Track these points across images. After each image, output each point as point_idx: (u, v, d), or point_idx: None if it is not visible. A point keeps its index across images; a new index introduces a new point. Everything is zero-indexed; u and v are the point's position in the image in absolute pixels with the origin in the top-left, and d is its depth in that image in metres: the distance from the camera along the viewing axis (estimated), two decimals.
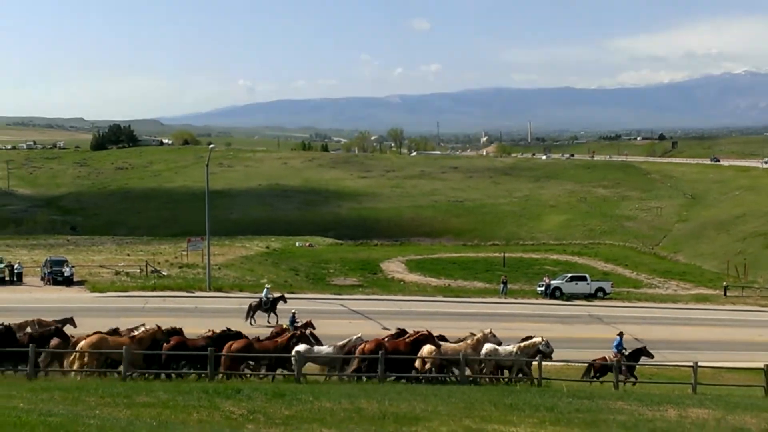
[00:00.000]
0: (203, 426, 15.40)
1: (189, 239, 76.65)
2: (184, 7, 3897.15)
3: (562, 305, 63.22)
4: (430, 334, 30.05)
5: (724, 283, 77.46)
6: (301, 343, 29.54)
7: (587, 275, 72.52)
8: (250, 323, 46.24)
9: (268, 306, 49.76)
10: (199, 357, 27.95)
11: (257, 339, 30.64)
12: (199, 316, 46.44)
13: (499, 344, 30.49)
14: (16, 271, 62.30)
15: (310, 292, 61.08)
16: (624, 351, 34.57)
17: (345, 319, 47.11)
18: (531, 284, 74.31)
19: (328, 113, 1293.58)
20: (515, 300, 64.92)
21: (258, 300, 50.18)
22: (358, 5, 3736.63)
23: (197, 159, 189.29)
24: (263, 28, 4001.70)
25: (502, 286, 68.16)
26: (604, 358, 33.87)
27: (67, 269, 61.58)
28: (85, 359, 26.91)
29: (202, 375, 27.45)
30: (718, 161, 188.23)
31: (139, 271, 67.91)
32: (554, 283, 68.60)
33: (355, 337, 30.74)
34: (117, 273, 67.16)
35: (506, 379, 30.38)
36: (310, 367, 28.97)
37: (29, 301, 51.58)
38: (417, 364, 29.16)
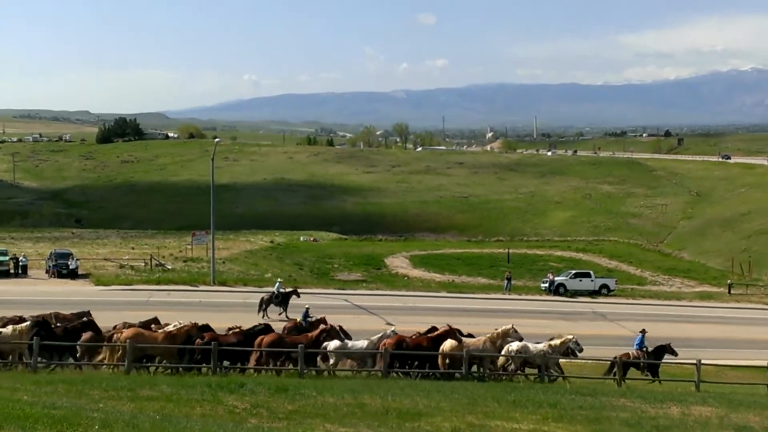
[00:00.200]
0: (206, 420, 15.43)
1: (194, 233, 76.75)
2: (191, 1, 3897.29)
3: (566, 302, 63.16)
4: (452, 329, 30.12)
5: (729, 281, 77.30)
6: (331, 337, 29.60)
7: (591, 272, 72.41)
8: (264, 317, 46.56)
9: (280, 300, 49.95)
10: (231, 352, 28.10)
11: (286, 333, 30.84)
12: (203, 310, 46.46)
13: (521, 340, 30.42)
14: (21, 264, 62.45)
15: (314, 287, 61.06)
16: (646, 348, 34.51)
17: (349, 314, 47.09)
18: (535, 280, 74.26)
19: (333, 108, 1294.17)
20: (519, 296, 64.89)
21: (270, 294, 50.43)
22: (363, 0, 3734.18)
23: (202, 153, 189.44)
24: (269, 23, 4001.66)
25: (506, 282, 68.17)
26: (627, 355, 33.76)
27: (72, 262, 61.73)
28: (119, 353, 27.17)
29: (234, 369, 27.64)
30: (729, 158, 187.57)
31: (143, 264, 68.06)
32: (558, 279, 68.52)
33: (389, 331, 30.79)
34: (122, 266, 67.31)
35: (535, 377, 30.24)
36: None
37: (34, 294, 51.74)
38: (439, 360, 29.05)
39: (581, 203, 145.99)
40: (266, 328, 30.64)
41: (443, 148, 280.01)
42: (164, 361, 28.37)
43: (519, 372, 30.25)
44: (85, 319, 30.31)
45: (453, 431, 16.41)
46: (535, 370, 30.59)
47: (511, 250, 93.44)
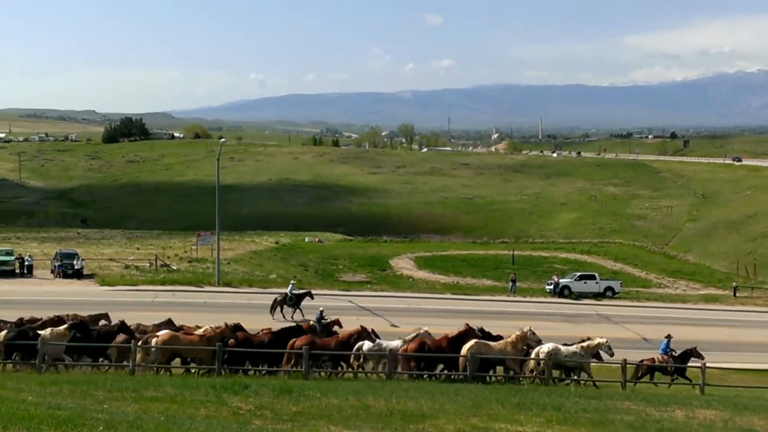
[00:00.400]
0: (210, 421, 15.45)
1: (199, 233, 76.90)
2: (198, 0, 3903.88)
3: (571, 304, 63.16)
4: (470, 328, 30.10)
5: (734, 284, 77.19)
6: (362, 339, 29.62)
7: (596, 274, 72.42)
8: (274, 317, 47.07)
9: (293, 301, 50.15)
10: (264, 353, 28.26)
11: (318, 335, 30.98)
12: (208, 310, 46.60)
13: (539, 342, 30.28)
14: (26, 264, 62.68)
15: (318, 288, 61.11)
16: (673, 353, 34.46)
17: (353, 315, 47.14)
18: (540, 282, 74.20)
19: (339, 108, 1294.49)
20: (524, 298, 64.90)
21: (283, 295, 50.70)
22: (370, 0, 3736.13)
23: (208, 153, 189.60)
24: (275, 22, 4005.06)
25: (510, 284, 68.16)
26: (653, 360, 33.70)
27: (77, 262, 61.93)
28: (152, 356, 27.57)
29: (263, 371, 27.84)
30: (740, 161, 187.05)
31: (148, 264, 68.25)
32: (563, 281, 68.52)
33: (423, 330, 30.81)
34: (127, 267, 67.49)
35: (559, 380, 30.02)
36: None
37: (39, 294, 51.91)
38: (461, 361, 28.85)
39: (586, 205, 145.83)
40: (298, 329, 30.86)
41: (448, 149, 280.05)
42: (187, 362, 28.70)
43: (550, 375, 30.06)
44: (119, 322, 30.56)
45: None
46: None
47: (516, 252, 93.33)
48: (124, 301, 48.26)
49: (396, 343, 29.61)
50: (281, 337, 29.45)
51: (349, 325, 37.40)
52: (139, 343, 27.74)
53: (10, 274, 60.71)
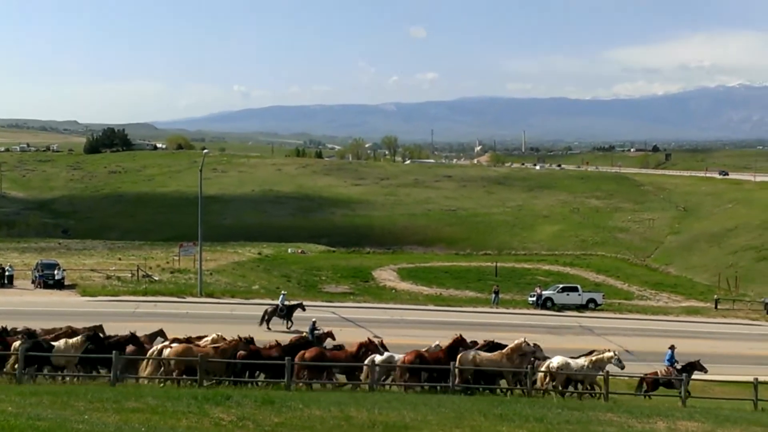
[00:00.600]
0: None
1: (181, 244, 76.65)
2: (181, 12, 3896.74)
3: (554, 316, 63.24)
4: (461, 338, 30.20)
5: (715, 296, 77.60)
6: (371, 352, 29.59)
7: (579, 286, 72.59)
8: (267, 328, 47.27)
9: (285, 312, 50.04)
10: (273, 366, 28.28)
11: (326, 348, 30.97)
12: (191, 321, 46.36)
13: (533, 353, 30.30)
14: (7, 274, 62.23)
15: (301, 299, 60.90)
16: (676, 364, 34.48)
17: (337, 327, 46.98)
18: (522, 294, 74.28)
19: (323, 120, 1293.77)
20: (506, 310, 64.89)
21: (274, 306, 50.56)
22: (354, 12, 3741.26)
23: (191, 164, 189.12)
24: (259, 34, 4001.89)
25: (493, 295, 68.19)
26: (656, 373, 33.66)
27: (58, 272, 61.55)
28: (166, 368, 27.69)
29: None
30: (727, 174, 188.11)
31: (130, 275, 67.90)
32: (546, 293, 68.66)
33: (434, 345, 30.84)
34: (108, 277, 67.10)
35: (571, 393, 30.02)
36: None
37: (20, 304, 51.49)
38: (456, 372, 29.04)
39: (569, 217, 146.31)
40: (307, 342, 31.05)
41: (432, 161, 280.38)
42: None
43: (563, 389, 30.02)
44: (128, 334, 30.50)
45: None
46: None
47: (498, 264, 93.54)
48: (105, 312, 47.87)
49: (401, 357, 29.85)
50: (289, 351, 29.56)
51: (339, 337, 37.34)
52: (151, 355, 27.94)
53: None
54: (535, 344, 31.09)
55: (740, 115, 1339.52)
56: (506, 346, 31.19)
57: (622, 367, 30.56)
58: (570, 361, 30.06)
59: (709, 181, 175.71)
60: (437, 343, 31.16)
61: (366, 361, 29.25)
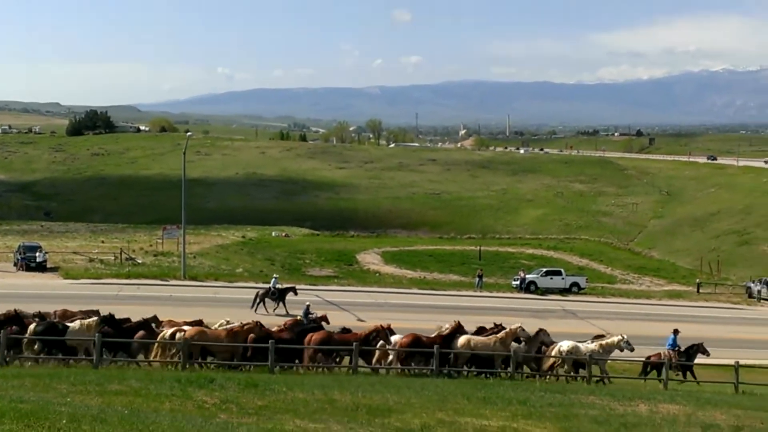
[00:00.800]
0: (175, 415, 15.33)
1: (164, 227, 76.38)
2: None
3: (537, 299, 63.53)
4: (459, 325, 30.29)
5: (698, 280, 78.06)
6: (380, 338, 29.61)
7: (562, 270, 72.88)
8: (257, 311, 47.04)
9: (277, 296, 50.07)
10: (285, 349, 28.35)
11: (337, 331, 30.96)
12: (174, 304, 46.29)
13: (528, 338, 30.43)
14: None
15: (285, 283, 60.88)
16: (679, 348, 34.63)
17: (321, 310, 47.05)
18: (506, 278, 74.55)
19: (307, 103, 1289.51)
20: (490, 293, 65.12)
21: (266, 289, 50.59)
22: None
23: (174, 146, 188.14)
24: (243, 16, 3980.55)
25: (477, 279, 68.39)
26: (659, 356, 33.80)
27: (40, 255, 61.30)
28: (173, 351, 27.69)
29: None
30: (715, 159, 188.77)
31: (113, 258, 67.64)
32: (529, 277, 68.92)
33: (444, 328, 30.87)
34: (91, 260, 66.90)
35: (581, 377, 30.11)
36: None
37: (2, 287, 51.21)
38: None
39: (553, 201, 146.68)
40: (317, 326, 31.05)
41: (416, 144, 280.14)
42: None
43: (572, 373, 30.18)
44: (141, 320, 30.53)
45: (423, 428, 16.42)
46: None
47: (482, 248, 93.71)
48: (88, 295, 47.70)
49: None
50: (301, 333, 29.73)
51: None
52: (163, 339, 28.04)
53: None
54: (541, 329, 31.31)
55: (724, 99, 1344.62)
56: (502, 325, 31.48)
57: (632, 350, 30.67)
58: (580, 345, 30.18)
59: (693, 166, 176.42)
60: (446, 326, 31.16)
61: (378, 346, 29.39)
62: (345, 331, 31.69)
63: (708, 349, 34.63)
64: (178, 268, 62.46)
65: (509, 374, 29.42)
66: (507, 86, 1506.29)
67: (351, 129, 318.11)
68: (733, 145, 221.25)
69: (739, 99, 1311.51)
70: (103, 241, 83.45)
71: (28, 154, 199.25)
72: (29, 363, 25.95)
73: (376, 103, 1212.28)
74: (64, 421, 12.45)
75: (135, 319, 30.15)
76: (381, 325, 30.65)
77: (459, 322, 30.74)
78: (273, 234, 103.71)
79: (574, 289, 68.52)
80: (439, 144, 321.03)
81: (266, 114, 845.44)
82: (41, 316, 30.02)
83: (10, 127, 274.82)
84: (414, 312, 49.60)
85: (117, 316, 29.59)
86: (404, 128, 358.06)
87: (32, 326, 27.58)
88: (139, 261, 67.74)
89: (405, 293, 61.95)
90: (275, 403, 18.13)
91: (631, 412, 20.72)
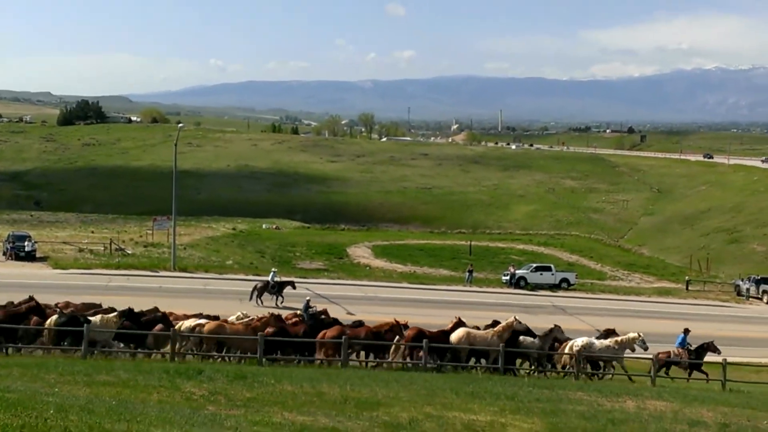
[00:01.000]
0: (163, 406, 15.30)
1: (155, 218, 76.22)
2: None
3: (527, 295, 63.58)
4: (459, 320, 30.37)
5: (687, 277, 78.25)
6: (394, 333, 29.66)
7: (552, 266, 72.95)
8: (256, 304, 47.37)
9: (275, 289, 50.07)
10: (302, 343, 28.74)
11: (350, 326, 30.96)
12: (164, 295, 46.19)
13: (525, 331, 30.47)
14: None
15: (280, 276, 60.92)
16: (689, 347, 34.67)
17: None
18: (496, 273, 74.57)
19: (300, 96, 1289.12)
20: (480, 288, 65.15)
21: (264, 282, 50.60)
22: None
23: (166, 138, 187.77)
24: (236, 8, 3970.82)
25: (467, 274, 68.45)
26: (669, 354, 33.80)
27: (29, 244, 61.13)
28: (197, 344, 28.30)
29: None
30: (712, 158, 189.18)
31: (103, 248, 67.49)
32: (519, 272, 68.97)
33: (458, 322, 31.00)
34: (81, 250, 66.74)
35: (593, 374, 30.19)
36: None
37: None
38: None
39: (544, 197, 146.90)
40: (334, 321, 31.74)
41: (408, 139, 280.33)
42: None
43: (585, 369, 30.09)
44: (159, 314, 30.65)
45: (410, 421, 16.41)
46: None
47: (473, 243, 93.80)
48: (77, 285, 47.63)
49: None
50: (315, 327, 29.99)
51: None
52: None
53: None
54: (556, 325, 31.35)
55: (716, 97, 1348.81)
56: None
57: (646, 348, 30.63)
58: (595, 341, 30.17)
59: (684, 163, 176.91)
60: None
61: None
62: (358, 324, 31.72)
63: (719, 347, 34.65)
64: (168, 259, 62.35)
65: (529, 371, 29.62)
66: (500, 82, 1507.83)
67: (343, 122, 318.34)
68: (725, 144, 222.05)
69: (731, 97, 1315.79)
70: (93, 232, 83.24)
71: (19, 144, 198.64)
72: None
73: (368, 97, 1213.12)
74: (52, 411, 12.41)
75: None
76: (396, 321, 30.69)
77: (459, 317, 30.82)
78: (264, 226, 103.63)
79: (564, 285, 68.64)
80: (431, 139, 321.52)
81: (259, 106, 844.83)
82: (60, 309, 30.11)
83: (0, 116, 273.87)
84: (403, 306, 49.58)
85: (105, 307, 29.58)
86: (396, 122, 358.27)
87: (53, 317, 27.51)
88: (129, 252, 67.59)
89: (395, 287, 61.94)
90: (263, 395, 18.11)
91: (618, 408, 20.76)
